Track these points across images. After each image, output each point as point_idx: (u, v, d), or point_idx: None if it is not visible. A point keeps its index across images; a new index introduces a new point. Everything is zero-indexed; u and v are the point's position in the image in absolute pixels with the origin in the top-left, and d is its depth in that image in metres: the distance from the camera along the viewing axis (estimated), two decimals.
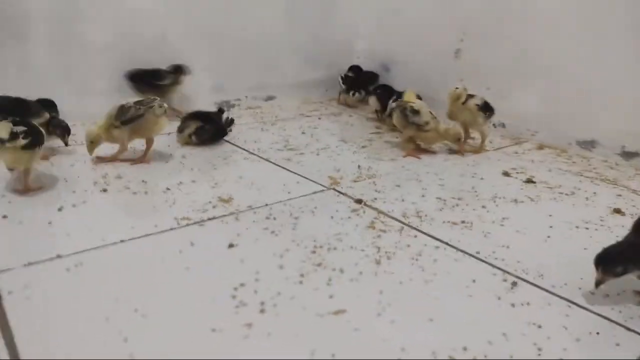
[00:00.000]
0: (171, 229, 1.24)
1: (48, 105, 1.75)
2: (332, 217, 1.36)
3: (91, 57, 2.15)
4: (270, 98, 2.68)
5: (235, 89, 2.54)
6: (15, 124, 1.33)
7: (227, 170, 1.70)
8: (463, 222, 1.37)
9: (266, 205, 1.41)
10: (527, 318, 0.96)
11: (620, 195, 1.63)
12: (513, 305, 1.01)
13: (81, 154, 1.71)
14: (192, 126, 1.90)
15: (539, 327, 0.94)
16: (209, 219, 1.30)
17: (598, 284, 1.01)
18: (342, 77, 2.71)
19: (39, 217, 1.28)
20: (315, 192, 1.53)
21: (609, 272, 1.00)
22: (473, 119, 1.94)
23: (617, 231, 1.37)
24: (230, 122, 2.02)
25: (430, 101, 2.06)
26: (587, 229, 1.38)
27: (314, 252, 1.17)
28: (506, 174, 1.77)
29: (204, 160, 1.78)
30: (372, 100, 2.42)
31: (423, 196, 1.53)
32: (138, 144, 1.73)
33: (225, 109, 2.04)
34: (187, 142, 1.90)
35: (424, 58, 2.58)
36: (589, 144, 2.07)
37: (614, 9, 1.92)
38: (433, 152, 1.97)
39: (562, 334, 0.92)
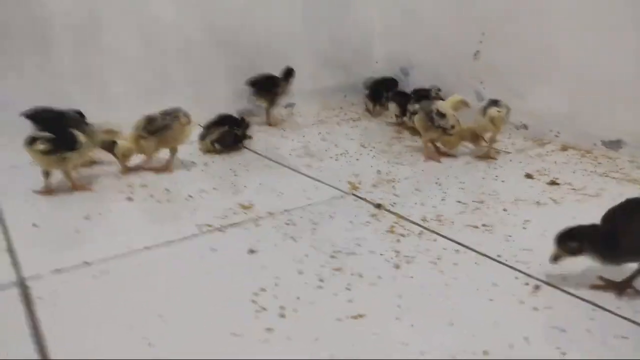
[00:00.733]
0: (193, 236, 1.27)
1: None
2: (351, 222, 1.36)
3: (114, 64, 2.22)
4: (289, 105, 2.71)
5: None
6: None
7: (247, 177, 1.73)
8: (484, 225, 1.35)
9: (286, 211, 1.42)
10: (550, 322, 0.95)
11: None
12: (535, 309, 0.99)
13: (106, 163, 1.76)
14: (215, 133, 1.93)
15: (563, 331, 0.92)
16: (230, 225, 1.33)
17: (553, 258, 1.05)
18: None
19: (67, 225, 1.32)
20: (334, 198, 1.54)
21: (564, 248, 1.04)
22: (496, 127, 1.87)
23: None
24: (246, 126, 2.05)
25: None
26: None
27: (333, 257, 1.17)
28: (529, 176, 1.74)
29: (225, 167, 1.81)
30: (392, 106, 2.41)
31: (443, 200, 1.52)
32: (162, 153, 1.77)
33: (245, 116, 2.07)
34: (209, 150, 1.94)
35: (443, 61, 2.56)
36: (614, 144, 2.01)
37: (638, 4, 1.87)
38: (453, 156, 1.95)
39: (587, 338, 0.90)
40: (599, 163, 1.91)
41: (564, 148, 2.08)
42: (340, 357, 0.85)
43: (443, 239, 1.27)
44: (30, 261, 1.13)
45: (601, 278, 1.07)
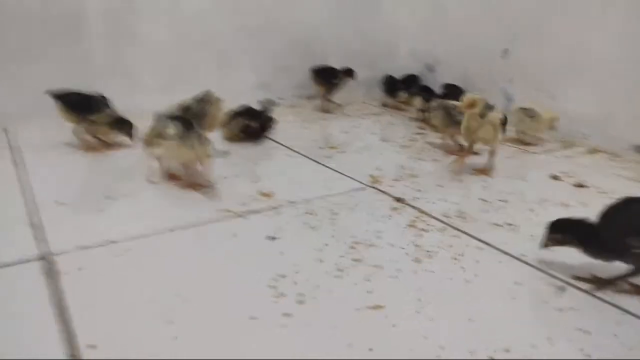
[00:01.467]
0: (215, 221, 1.28)
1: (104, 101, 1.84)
2: (372, 215, 1.35)
3: (144, 54, 2.25)
4: (312, 97, 2.70)
5: (279, 87, 2.58)
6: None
7: (269, 166, 1.73)
8: (509, 224, 1.33)
9: (306, 200, 1.42)
10: (575, 324, 0.92)
11: None
12: (560, 310, 0.97)
13: (131, 146, 1.79)
14: (240, 122, 1.94)
15: (588, 333, 0.90)
16: (251, 212, 1.33)
17: (542, 244, 1.10)
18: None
19: (93, 205, 1.35)
20: (355, 190, 1.53)
21: (551, 237, 1.08)
22: (493, 135, 1.65)
23: None
24: (268, 119, 2.05)
25: None
26: None
27: (353, 247, 1.17)
28: (555, 177, 1.70)
29: (247, 156, 1.82)
30: (417, 101, 2.39)
31: (466, 197, 1.50)
32: None
33: (269, 107, 2.08)
34: (233, 137, 1.94)
35: (470, 58, 2.52)
36: None
37: None
38: (477, 154, 1.92)
39: (613, 342, 0.88)
40: (628, 167, 1.86)
41: (593, 151, 2.03)
42: (359, 345, 0.84)
43: (465, 235, 1.25)
44: (56, 237, 1.15)
45: (592, 275, 1.08)
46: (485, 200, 1.48)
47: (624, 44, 1.95)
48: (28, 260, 1.06)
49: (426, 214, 1.37)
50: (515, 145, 2.04)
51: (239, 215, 1.31)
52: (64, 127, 1.78)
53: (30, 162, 1.64)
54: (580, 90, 2.10)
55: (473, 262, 1.13)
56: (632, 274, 1.02)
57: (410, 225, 1.29)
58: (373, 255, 1.13)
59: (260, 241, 1.19)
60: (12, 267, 1.03)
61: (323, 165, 1.74)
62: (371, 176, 1.64)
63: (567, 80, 2.14)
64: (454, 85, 2.45)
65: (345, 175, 1.64)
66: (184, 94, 1.78)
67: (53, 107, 1.72)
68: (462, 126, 1.67)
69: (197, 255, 1.12)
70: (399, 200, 1.45)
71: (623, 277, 1.03)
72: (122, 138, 1.80)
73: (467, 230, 1.28)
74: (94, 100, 1.74)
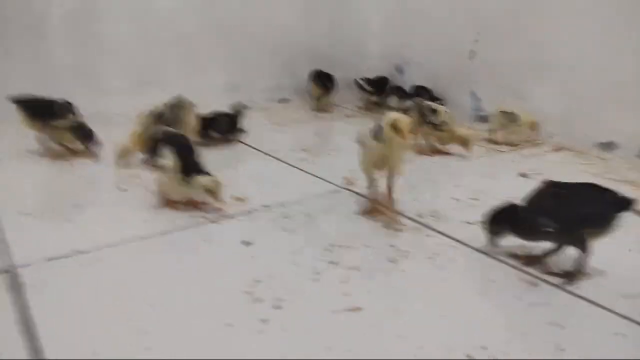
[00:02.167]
0: (188, 227, 1.25)
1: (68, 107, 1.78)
2: (347, 217, 1.35)
3: (110, 55, 2.19)
4: (284, 100, 2.70)
5: (249, 90, 2.56)
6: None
7: (242, 170, 1.71)
8: (480, 221, 1.35)
9: (281, 204, 1.41)
10: (548, 318, 0.94)
11: None
12: (533, 305, 0.99)
13: (100, 154, 1.74)
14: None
15: (561, 327, 0.92)
16: (225, 218, 1.31)
17: (489, 244, 1.16)
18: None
19: (59, 215, 1.30)
20: (330, 192, 1.52)
21: (490, 232, 1.15)
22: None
23: (637, 232, 1.34)
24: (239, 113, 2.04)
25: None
26: None
27: (328, 250, 1.16)
28: (524, 175, 1.74)
29: (219, 160, 1.79)
30: (394, 100, 2.43)
31: (438, 196, 1.52)
32: None
33: (240, 110, 2.05)
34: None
35: (438, 59, 2.56)
36: (607, 146, 2.03)
37: (634, 6, 1.89)
38: (448, 154, 1.95)
39: (585, 335, 0.90)
40: (593, 164, 1.92)
41: (558, 149, 2.09)
42: (336, 349, 0.84)
43: (439, 234, 1.27)
44: (20, 249, 1.10)
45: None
46: (457, 199, 1.50)
47: (587, 44, 2.01)
48: None
49: (400, 214, 1.38)
50: (484, 145, 2.08)
51: (212, 221, 1.29)
52: (28, 134, 1.71)
53: None
54: (547, 90, 2.16)
55: (448, 261, 1.14)
56: (553, 251, 1.11)
57: (385, 226, 1.30)
58: (349, 257, 1.13)
59: (235, 247, 1.17)
60: None
61: (297, 168, 1.73)
62: (345, 178, 1.64)
63: (534, 80, 2.20)
64: (423, 87, 2.49)
65: (320, 177, 1.64)
66: (152, 97, 1.74)
67: (15, 113, 1.65)
68: (371, 158, 1.30)
69: (170, 263, 1.09)
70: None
71: (548, 255, 1.12)
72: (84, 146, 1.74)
73: (440, 229, 1.29)
74: (57, 106, 1.68)
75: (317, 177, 1.65)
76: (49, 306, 0.92)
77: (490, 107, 2.34)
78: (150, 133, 1.47)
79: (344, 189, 1.55)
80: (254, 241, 1.19)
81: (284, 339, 0.86)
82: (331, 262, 1.11)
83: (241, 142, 2.00)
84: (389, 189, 1.35)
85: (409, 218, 1.35)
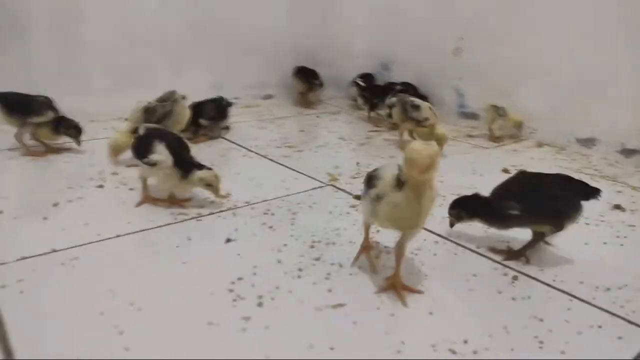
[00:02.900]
0: (168, 224, 1.23)
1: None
2: (330, 213, 1.35)
3: (91, 55, 2.14)
4: (268, 97, 2.68)
5: (234, 87, 2.54)
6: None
7: (225, 166, 1.69)
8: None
9: (264, 200, 1.39)
10: (529, 312, 0.95)
11: (620, 192, 1.63)
12: (514, 299, 0.99)
13: (76, 150, 1.70)
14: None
15: (541, 320, 0.93)
16: (207, 215, 1.29)
17: (450, 225, 1.21)
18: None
19: (36, 213, 1.26)
20: (313, 188, 1.52)
21: (451, 215, 1.20)
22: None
23: (617, 226, 1.36)
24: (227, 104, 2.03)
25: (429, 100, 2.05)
26: (587, 224, 1.37)
27: (312, 247, 1.16)
28: (505, 170, 1.76)
29: (202, 156, 1.76)
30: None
31: None
32: None
33: (225, 107, 2.04)
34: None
35: (424, 57, 2.57)
36: (588, 142, 2.06)
37: (614, 7, 1.91)
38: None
39: (565, 328, 0.91)
40: (573, 160, 1.95)
41: (540, 145, 2.12)
42: (320, 345, 0.83)
43: (422, 229, 1.27)
44: None
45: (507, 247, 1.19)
46: (440, 195, 1.50)
47: (569, 43, 2.04)
48: None
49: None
50: (467, 141, 2.09)
51: (194, 217, 1.27)
52: (5, 131, 1.67)
53: None
54: (529, 88, 2.19)
55: (431, 256, 1.14)
56: (533, 242, 1.14)
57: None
58: (333, 254, 1.13)
59: (217, 244, 1.15)
60: None
61: (281, 164, 1.72)
62: (329, 174, 1.63)
63: (515, 79, 2.22)
64: (409, 84, 2.50)
65: (304, 174, 1.63)
66: (136, 96, 1.71)
67: None
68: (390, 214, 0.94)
69: (150, 261, 1.07)
70: (357, 197, 1.45)
71: (528, 247, 1.14)
72: (68, 141, 1.71)
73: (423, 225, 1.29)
74: (35, 102, 1.64)
75: (301, 173, 1.64)
76: (21, 306, 0.89)
77: (474, 104, 2.36)
78: (136, 131, 1.43)
79: (328, 185, 1.55)
80: (237, 238, 1.18)
81: (266, 336, 0.85)
82: (315, 259, 1.10)
83: (225, 138, 1.98)
84: (401, 252, 1.00)
85: None
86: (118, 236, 1.15)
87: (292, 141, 2.00)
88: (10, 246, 1.08)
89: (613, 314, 0.96)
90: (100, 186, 1.44)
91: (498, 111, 2.12)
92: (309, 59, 2.73)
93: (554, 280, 1.07)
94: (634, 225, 1.37)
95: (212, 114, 1.94)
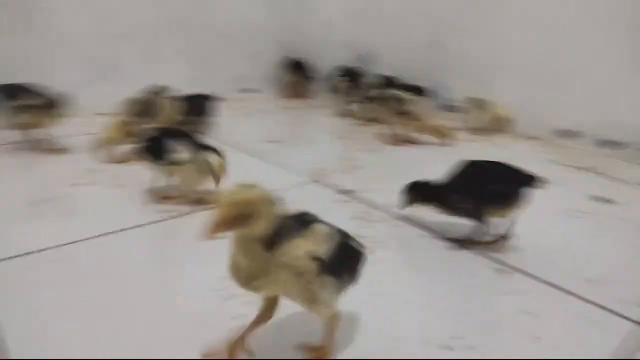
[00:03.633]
0: (152, 223, 1.20)
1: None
2: (316, 209, 1.33)
3: (66, 48, 2.08)
4: (250, 91, 2.64)
5: (215, 82, 2.49)
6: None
7: None
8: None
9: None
10: (522, 307, 0.95)
11: (599, 183, 1.66)
12: (505, 293, 1.00)
13: (64, 148, 1.66)
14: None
15: (535, 316, 0.93)
16: (193, 212, 1.27)
17: (401, 206, 1.25)
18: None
19: (19, 212, 1.22)
20: (299, 184, 1.50)
21: (404, 198, 1.24)
22: None
23: (597, 218, 1.39)
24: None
25: None
26: (567, 216, 1.39)
27: None
28: None
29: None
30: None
31: None
32: None
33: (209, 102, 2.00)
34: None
35: (402, 49, 2.58)
36: (567, 134, 2.10)
37: (589, 0, 1.95)
38: (416, 143, 1.97)
39: (558, 323, 0.91)
40: (553, 152, 1.98)
41: (522, 137, 2.15)
42: (311, 342, 0.82)
43: (410, 225, 1.27)
44: None
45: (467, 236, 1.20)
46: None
47: (549, 37, 2.07)
48: None
49: (370, 205, 1.37)
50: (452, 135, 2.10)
51: (180, 215, 1.25)
52: None
53: None
54: (510, 81, 2.21)
55: (422, 252, 1.14)
56: (478, 231, 1.15)
57: (356, 217, 1.29)
58: None
59: (204, 241, 1.13)
60: None
61: (265, 160, 1.70)
62: (314, 170, 1.62)
63: (494, 71, 2.25)
64: (393, 77, 2.50)
65: (289, 169, 1.62)
66: (113, 90, 1.67)
67: None
68: None
69: (137, 260, 1.04)
70: (343, 192, 1.44)
71: (478, 238, 1.16)
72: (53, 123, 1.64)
73: (412, 220, 1.29)
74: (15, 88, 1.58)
75: (286, 169, 1.62)
76: (17, 305, 0.86)
77: (454, 97, 2.38)
78: (143, 134, 1.40)
79: (314, 180, 1.54)
80: (224, 235, 1.15)
81: (255, 336, 0.84)
82: None
83: (209, 134, 1.94)
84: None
85: (379, 209, 1.35)
86: (105, 234, 1.12)
87: (276, 136, 1.98)
88: (1, 245, 1.04)
89: (605, 308, 0.96)
90: (79, 185, 1.40)
91: (478, 104, 2.14)
92: (287, 51, 2.71)
93: (545, 274, 1.06)
94: (615, 216, 1.40)
95: (197, 109, 1.91)
